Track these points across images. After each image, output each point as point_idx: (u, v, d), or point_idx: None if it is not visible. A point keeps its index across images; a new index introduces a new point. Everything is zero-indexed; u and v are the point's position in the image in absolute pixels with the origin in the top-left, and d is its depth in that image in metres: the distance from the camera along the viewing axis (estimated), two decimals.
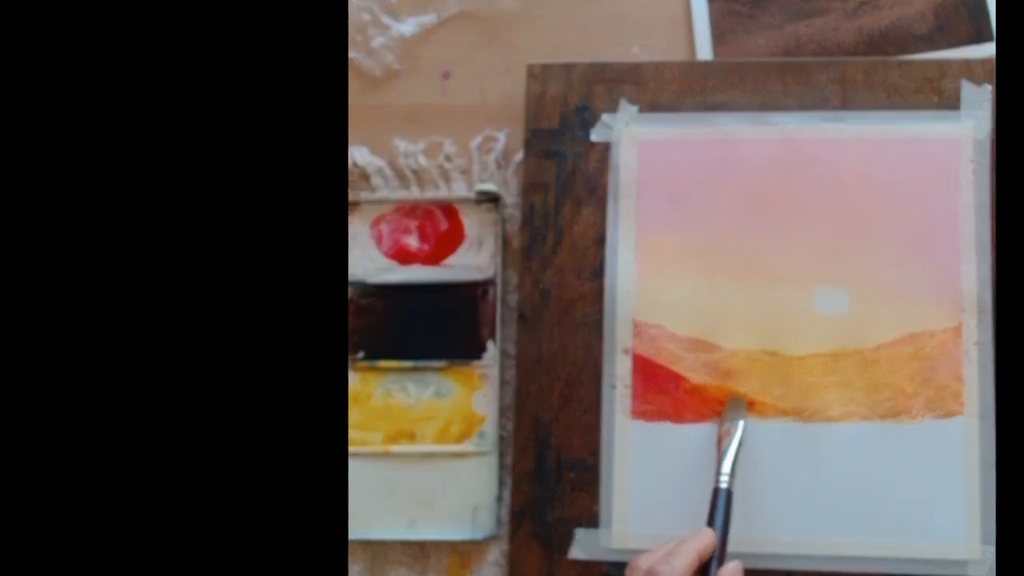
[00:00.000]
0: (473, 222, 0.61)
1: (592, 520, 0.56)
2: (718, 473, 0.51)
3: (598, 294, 0.58)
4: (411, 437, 0.59)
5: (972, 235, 0.56)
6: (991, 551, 0.53)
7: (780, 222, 0.57)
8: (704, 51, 0.62)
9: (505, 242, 0.61)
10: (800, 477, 0.54)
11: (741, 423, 0.53)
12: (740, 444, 0.53)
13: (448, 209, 0.62)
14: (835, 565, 0.54)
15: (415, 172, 0.63)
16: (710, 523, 0.49)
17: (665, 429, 0.56)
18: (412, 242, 0.62)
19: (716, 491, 0.50)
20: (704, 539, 0.47)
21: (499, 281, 0.60)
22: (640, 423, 0.56)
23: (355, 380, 0.60)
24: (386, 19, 0.65)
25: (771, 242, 0.57)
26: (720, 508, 0.49)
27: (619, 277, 0.58)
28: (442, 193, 0.63)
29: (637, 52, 0.63)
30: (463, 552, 0.58)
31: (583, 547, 0.55)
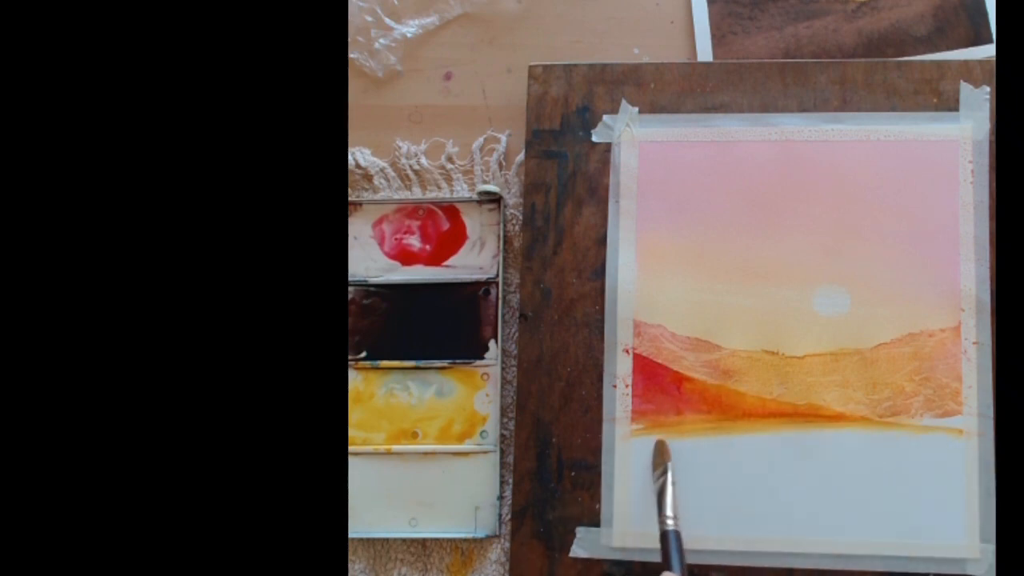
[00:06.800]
0: (475, 222, 0.62)
1: (593, 519, 0.56)
2: (664, 517, 0.50)
3: (599, 294, 0.58)
4: (413, 437, 0.60)
5: (971, 235, 0.56)
6: (990, 549, 0.53)
7: (780, 222, 0.57)
8: (704, 52, 0.63)
9: (506, 242, 0.61)
10: (799, 476, 0.54)
11: (669, 464, 0.53)
12: (674, 484, 0.53)
13: (450, 209, 0.62)
14: (835, 564, 0.54)
15: (417, 173, 0.63)
16: (667, 566, 0.48)
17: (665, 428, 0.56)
18: (414, 242, 0.62)
19: (666, 534, 0.50)
20: None
21: (500, 281, 0.60)
22: (641, 422, 0.56)
23: (357, 380, 0.60)
24: (388, 20, 0.65)
25: (771, 242, 0.57)
26: (674, 549, 0.49)
27: (620, 277, 0.58)
28: (444, 194, 0.63)
29: (638, 53, 0.63)
30: (465, 550, 0.59)
31: (584, 546, 0.56)
